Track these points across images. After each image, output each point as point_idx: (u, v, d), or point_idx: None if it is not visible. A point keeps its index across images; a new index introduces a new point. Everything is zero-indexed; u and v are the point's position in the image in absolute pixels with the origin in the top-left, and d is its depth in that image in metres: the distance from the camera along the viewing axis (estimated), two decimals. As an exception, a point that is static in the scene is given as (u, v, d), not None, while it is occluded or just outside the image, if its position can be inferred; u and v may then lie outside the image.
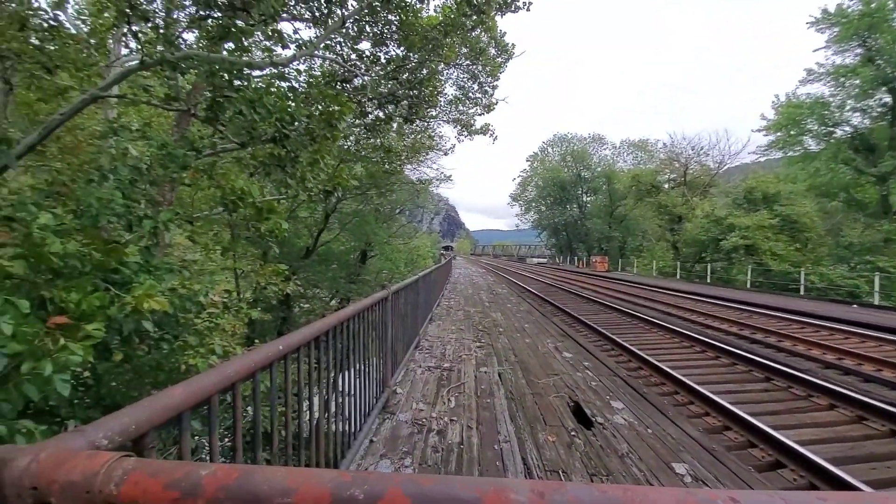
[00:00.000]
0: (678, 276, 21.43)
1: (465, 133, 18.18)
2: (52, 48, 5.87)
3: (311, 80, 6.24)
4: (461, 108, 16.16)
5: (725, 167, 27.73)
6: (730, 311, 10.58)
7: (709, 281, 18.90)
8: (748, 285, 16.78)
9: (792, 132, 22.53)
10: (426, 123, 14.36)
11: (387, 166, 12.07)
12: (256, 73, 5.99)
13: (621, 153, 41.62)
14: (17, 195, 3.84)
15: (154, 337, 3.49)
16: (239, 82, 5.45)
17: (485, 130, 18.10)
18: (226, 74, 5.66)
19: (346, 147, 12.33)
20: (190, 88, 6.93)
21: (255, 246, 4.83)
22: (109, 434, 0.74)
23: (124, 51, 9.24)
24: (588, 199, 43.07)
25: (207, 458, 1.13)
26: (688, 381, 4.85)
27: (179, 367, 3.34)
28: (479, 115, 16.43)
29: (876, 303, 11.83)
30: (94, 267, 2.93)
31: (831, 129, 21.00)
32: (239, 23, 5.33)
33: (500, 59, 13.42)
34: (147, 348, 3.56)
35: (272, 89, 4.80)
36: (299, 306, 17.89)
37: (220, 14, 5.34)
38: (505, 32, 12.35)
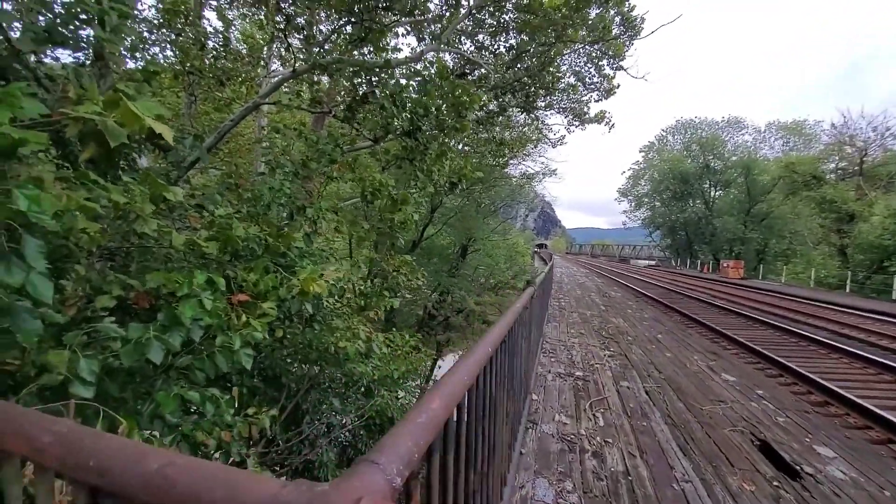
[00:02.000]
0: (847, 290, 17.09)
1: (577, 123, 17.00)
2: (224, 64, 6.82)
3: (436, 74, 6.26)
4: (574, 95, 15.06)
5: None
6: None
7: (894, 297, 14.64)
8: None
9: None
10: (535, 114, 13.68)
11: (497, 161, 11.81)
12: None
13: (766, 139, 34.82)
14: (204, 188, 4.50)
15: (306, 318, 3.77)
16: (376, 79, 5.67)
17: (600, 118, 16.68)
18: (365, 74, 5.95)
19: (455, 143, 12.43)
20: (327, 90, 7.55)
21: (382, 237, 4.94)
22: (400, 468, 0.59)
23: (274, 65, 10.55)
24: (717, 193, 37.12)
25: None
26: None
27: (329, 348, 3.52)
28: (596, 101, 15.16)
29: None
30: (266, 251, 3.22)
31: None
32: (376, 23, 5.53)
33: (624, 38, 12.08)
34: (301, 327, 3.86)
35: (411, 83, 4.85)
36: (403, 296, 18.84)
37: (361, 17, 5.61)
38: (634, 5, 10.96)
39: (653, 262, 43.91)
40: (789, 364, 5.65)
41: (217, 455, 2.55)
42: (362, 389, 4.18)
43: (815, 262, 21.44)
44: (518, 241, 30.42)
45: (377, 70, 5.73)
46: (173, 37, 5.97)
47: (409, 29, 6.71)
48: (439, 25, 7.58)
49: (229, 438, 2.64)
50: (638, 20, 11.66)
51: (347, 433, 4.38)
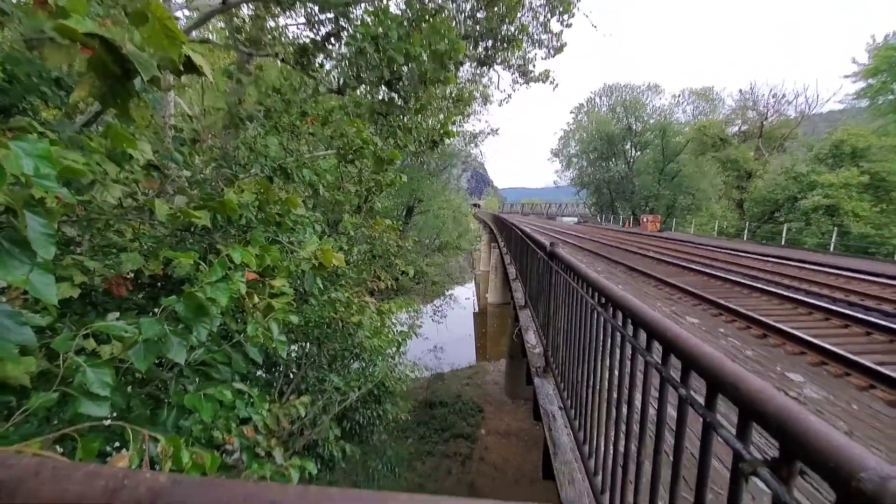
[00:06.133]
0: (745, 238, 20.03)
1: (523, 80, 16.88)
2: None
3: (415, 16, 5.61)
4: (518, 52, 14.82)
5: (807, 117, 24.72)
6: (825, 275, 9.72)
7: (783, 243, 17.53)
8: (831, 248, 15.45)
9: (885, 78, 19.58)
10: (493, 69, 13.28)
11: (452, 119, 11.38)
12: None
13: (680, 103, 38.11)
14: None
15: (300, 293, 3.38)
16: (343, 19, 4.95)
17: (545, 77, 16.71)
18: (322, 9, 5.17)
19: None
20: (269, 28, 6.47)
21: (360, 200, 4.55)
22: None
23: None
24: (637, 154, 40.32)
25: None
26: (837, 350, 4.39)
27: (330, 324, 3.21)
28: (543, 59, 15.08)
29: None
30: (261, 221, 2.74)
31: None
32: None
33: (574, -7, 11.96)
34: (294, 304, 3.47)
35: (393, 24, 4.28)
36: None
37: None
38: (584, -42, 10.82)
39: (574, 220, 47.25)
40: (726, 303, 6.48)
41: (240, 453, 2.24)
42: (364, 363, 3.96)
43: (718, 215, 24.70)
44: (461, 202, 30.54)
45: (341, 6, 5.00)
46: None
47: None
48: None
49: (252, 433, 2.33)
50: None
51: (346, 407, 4.18)
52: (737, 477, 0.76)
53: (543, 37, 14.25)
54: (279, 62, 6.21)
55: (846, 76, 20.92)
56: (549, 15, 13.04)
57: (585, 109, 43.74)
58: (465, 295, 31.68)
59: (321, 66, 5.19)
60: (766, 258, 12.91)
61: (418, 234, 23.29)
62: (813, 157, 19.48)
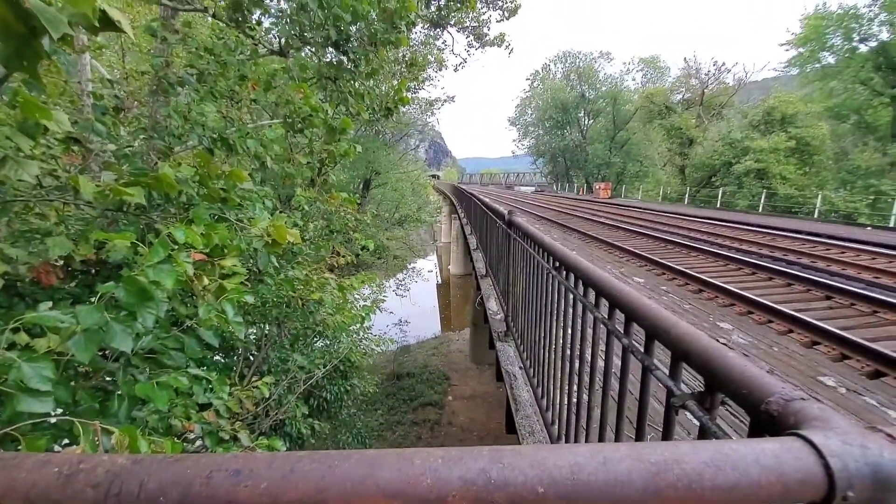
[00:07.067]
0: (686, 202, 21.49)
1: (478, 44, 16.48)
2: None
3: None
4: (473, 14, 14.38)
5: (744, 85, 26.34)
6: (754, 234, 10.74)
7: (718, 206, 19.02)
8: (760, 210, 16.97)
9: (813, 48, 21.18)
10: (447, 31, 12.84)
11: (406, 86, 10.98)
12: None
13: (630, 70, 39.05)
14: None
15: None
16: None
17: (500, 41, 16.41)
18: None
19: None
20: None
21: (313, 172, 4.39)
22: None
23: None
24: (590, 122, 41.29)
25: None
26: (761, 300, 4.94)
27: (290, 303, 3.14)
28: (498, 21, 14.76)
29: (891, 225, 12.15)
30: (204, 197, 2.56)
31: (855, 44, 19.75)
32: None
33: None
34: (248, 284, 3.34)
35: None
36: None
37: None
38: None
39: (531, 189, 48.28)
40: (668, 263, 7.02)
41: (204, 438, 2.20)
42: (329, 340, 3.93)
43: (662, 181, 26.23)
44: (419, 174, 30.10)
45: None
46: None
47: None
48: None
49: (214, 418, 2.28)
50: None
51: (312, 385, 4.17)
52: (669, 410, 0.86)
53: (498, -1, 13.88)
54: (210, 18, 5.63)
55: (780, 44, 22.33)
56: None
57: (541, 76, 43.75)
58: (427, 267, 31.89)
59: (258, 23, 4.79)
60: (703, 220, 13.96)
61: (377, 207, 22.81)
62: (747, 124, 20.96)
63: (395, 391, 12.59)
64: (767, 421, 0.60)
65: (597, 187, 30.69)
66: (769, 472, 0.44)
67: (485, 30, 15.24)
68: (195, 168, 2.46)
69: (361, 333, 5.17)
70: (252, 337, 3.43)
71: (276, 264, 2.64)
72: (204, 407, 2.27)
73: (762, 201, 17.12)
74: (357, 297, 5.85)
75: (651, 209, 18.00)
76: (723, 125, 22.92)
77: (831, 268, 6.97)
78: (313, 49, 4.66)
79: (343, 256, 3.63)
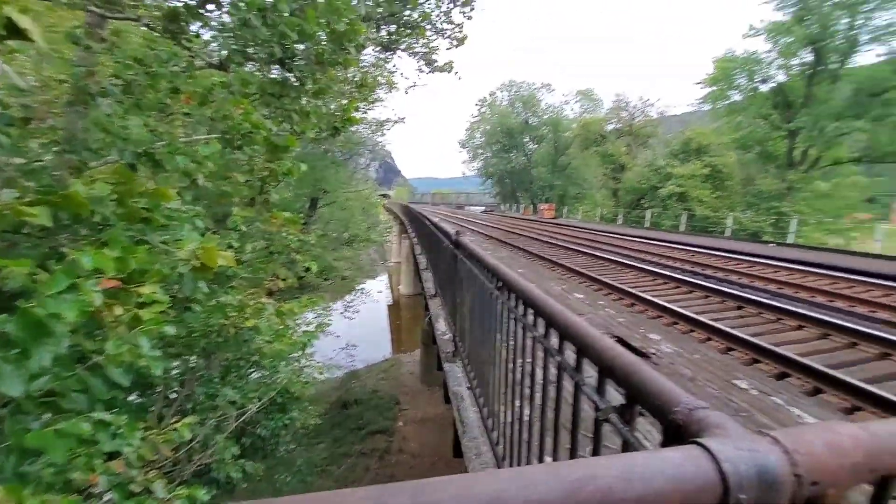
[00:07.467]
0: (619, 222, 23.27)
1: (428, 69, 16.93)
2: None
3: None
4: (423, 39, 14.82)
5: (665, 118, 29.52)
6: (677, 251, 11.82)
7: (647, 226, 20.81)
8: (681, 229, 18.77)
9: (723, 86, 24.32)
10: (396, 54, 13.05)
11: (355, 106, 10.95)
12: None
13: (569, 101, 42.22)
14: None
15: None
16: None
17: (449, 68, 16.98)
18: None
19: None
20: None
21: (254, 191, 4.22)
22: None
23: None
24: (534, 147, 43.74)
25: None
26: (684, 312, 5.40)
27: (221, 331, 2.91)
28: (447, 49, 15.29)
29: (790, 242, 14.00)
30: (122, 217, 2.32)
31: (757, 84, 23.01)
32: None
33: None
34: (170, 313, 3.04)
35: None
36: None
37: None
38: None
39: (483, 209, 49.75)
40: (605, 280, 7.49)
41: (111, 493, 1.92)
42: (266, 371, 3.65)
43: (599, 203, 28.30)
44: (370, 193, 29.82)
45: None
46: None
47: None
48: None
49: (122, 468, 2.01)
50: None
51: (245, 422, 3.85)
52: (597, 423, 0.90)
53: (446, 26, 14.44)
54: (143, 28, 5.29)
55: (696, 83, 25.36)
56: (451, 4, 13.27)
57: (489, 102, 45.85)
58: (377, 288, 31.24)
59: (197, 35, 4.57)
60: (635, 238, 15.14)
61: (325, 227, 22.13)
62: (669, 153, 23.39)
63: (342, 420, 11.98)
64: (675, 430, 0.65)
65: (541, 208, 32.29)
66: (672, 481, 0.47)
67: (434, 56, 15.73)
68: (112, 185, 2.24)
69: (303, 361, 4.89)
70: (175, 372, 3.10)
71: (207, 289, 2.44)
72: (113, 456, 2.00)
73: (684, 221, 19.02)
74: (299, 321, 5.55)
75: (590, 228, 19.24)
76: (649, 153, 25.43)
77: (741, 280, 7.84)
78: (257, 65, 4.52)
79: (283, 279, 3.45)
